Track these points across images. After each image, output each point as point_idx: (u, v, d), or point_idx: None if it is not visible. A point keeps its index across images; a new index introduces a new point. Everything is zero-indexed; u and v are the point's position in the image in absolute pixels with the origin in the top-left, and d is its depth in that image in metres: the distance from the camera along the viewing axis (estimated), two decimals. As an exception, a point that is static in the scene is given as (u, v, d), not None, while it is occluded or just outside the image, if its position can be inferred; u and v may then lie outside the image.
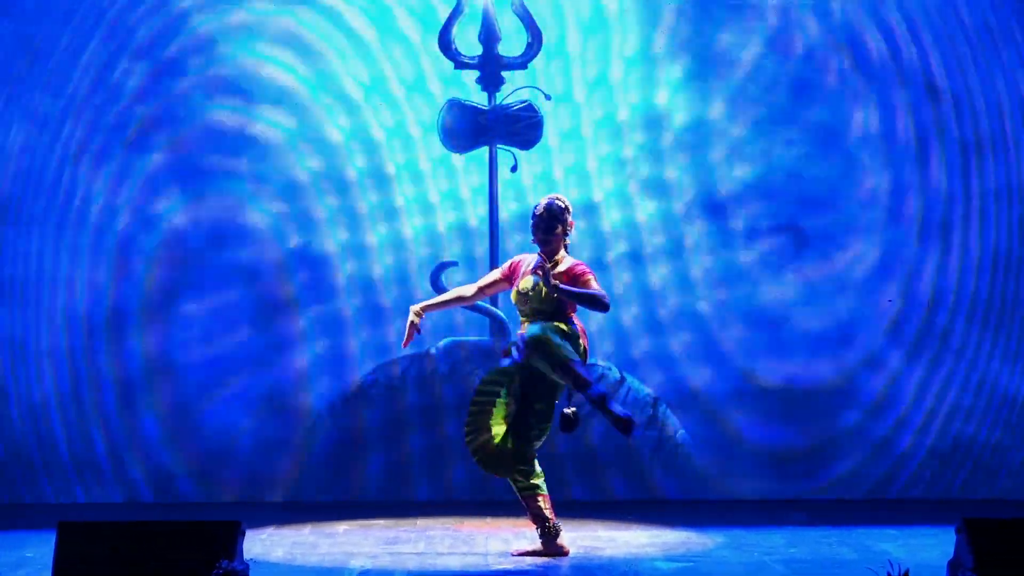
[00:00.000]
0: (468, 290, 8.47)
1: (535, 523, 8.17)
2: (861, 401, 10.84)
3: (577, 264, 8.17)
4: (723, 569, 7.85)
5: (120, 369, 10.71)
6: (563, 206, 8.22)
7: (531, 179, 10.82)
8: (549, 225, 8.19)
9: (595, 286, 8.08)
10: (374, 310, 10.80)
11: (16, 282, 10.68)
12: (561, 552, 8.15)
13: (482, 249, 10.72)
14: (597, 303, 8.06)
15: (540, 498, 8.15)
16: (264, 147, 10.74)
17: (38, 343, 10.70)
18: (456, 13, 10.72)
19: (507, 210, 10.75)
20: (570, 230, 8.26)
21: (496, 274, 8.42)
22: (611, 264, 10.82)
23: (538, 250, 8.21)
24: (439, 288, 10.50)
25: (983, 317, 10.87)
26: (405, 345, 8.35)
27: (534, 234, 8.22)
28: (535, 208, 8.23)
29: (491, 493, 10.34)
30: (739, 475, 10.81)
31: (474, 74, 10.76)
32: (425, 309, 8.32)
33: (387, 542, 8.77)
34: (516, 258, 8.36)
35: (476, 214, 10.81)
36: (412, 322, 8.24)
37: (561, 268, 8.15)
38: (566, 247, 8.26)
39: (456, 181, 10.86)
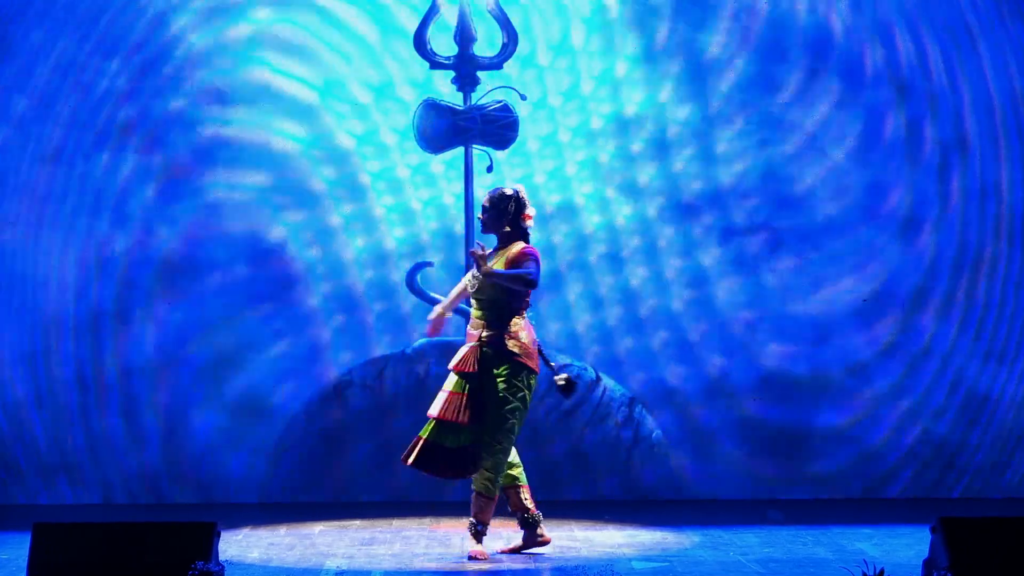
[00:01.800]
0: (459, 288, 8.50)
1: (518, 511, 8.24)
2: (837, 401, 10.86)
3: (521, 249, 8.23)
4: (699, 569, 7.86)
5: (96, 370, 10.68)
6: (507, 195, 8.26)
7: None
8: (491, 215, 8.26)
9: (527, 264, 8.14)
10: (349, 308, 10.78)
11: (-2, 283, 10.67)
12: (543, 541, 8.20)
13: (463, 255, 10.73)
14: (519, 280, 8.11)
15: (521, 488, 8.24)
16: (240, 150, 10.72)
17: (13, 344, 10.66)
18: (431, 13, 10.71)
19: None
20: (524, 222, 8.29)
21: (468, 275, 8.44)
22: (593, 265, 10.83)
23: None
24: (415, 289, 10.51)
25: (959, 316, 10.90)
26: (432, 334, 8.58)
27: (481, 224, 8.34)
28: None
29: (468, 494, 10.34)
30: (715, 475, 10.83)
31: (449, 74, 10.75)
32: (446, 309, 8.42)
33: (363, 543, 8.77)
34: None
35: (461, 220, 10.80)
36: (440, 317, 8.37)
37: (506, 256, 8.22)
38: (525, 237, 8.29)
39: (439, 188, 10.85)
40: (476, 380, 8.11)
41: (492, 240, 8.40)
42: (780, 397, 10.84)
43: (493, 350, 8.14)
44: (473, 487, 8.20)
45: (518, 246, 8.24)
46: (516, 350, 8.14)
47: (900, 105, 10.88)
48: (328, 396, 10.77)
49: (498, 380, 8.11)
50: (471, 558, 8.11)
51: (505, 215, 8.25)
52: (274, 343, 10.74)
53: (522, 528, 8.30)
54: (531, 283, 8.11)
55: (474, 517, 8.18)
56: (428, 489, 10.47)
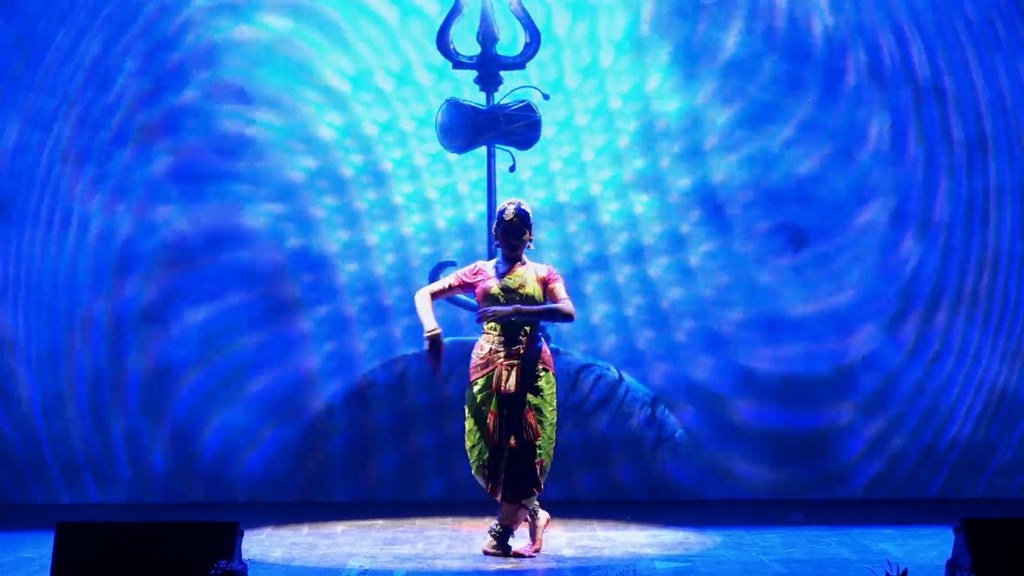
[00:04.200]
0: (432, 289, 8.42)
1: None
2: (860, 401, 10.84)
3: (549, 271, 8.25)
4: (721, 569, 7.85)
5: (118, 369, 10.71)
6: (528, 211, 8.27)
7: (529, 172, 10.83)
8: (520, 230, 8.23)
9: (562, 294, 8.15)
10: (376, 311, 10.79)
11: (21, 283, 10.67)
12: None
13: (481, 246, 10.71)
14: (556, 316, 8.18)
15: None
16: (261, 148, 10.73)
17: (36, 343, 10.69)
18: (454, 13, 10.71)
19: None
20: (533, 236, 8.31)
21: (452, 281, 8.38)
22: (611, 257, 10.82)
23: (498, 256, 8.30)
24: (437, 289, 10.52)
25: (982, 316, 10.87)
26: (436, 367, 8.32)
27: (505, 239, 8.22)
28: (501, 213, 8.24)
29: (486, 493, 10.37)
30: (737, 475, 10.81)
31: (472, 73, 10.76)
32: (434, 329, 8.25)
33: (385, 542, 8.77)
34: (473, 266, 8.39)
35: (475, 210, 10.81)
36: (434, 342, 8.19)
37: (535, 274, 8.20)
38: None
39: (454, 177, 10.86)
40: (519, 398, 8.10)
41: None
42: (803, 397, 10.82)
43: (533, 366, 8.15)
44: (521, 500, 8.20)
45: (537, 267, 8.27)
46: (547, 361, 8.21)
47: (923, 105, 10.85)
48: (351, 396, 10.78)
49: (544, 394, 8.15)
50: (518, 555, 8.15)
51: (528, 231, 8.26)
52: (296, 343, 10.75)
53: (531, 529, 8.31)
54: (568, 317, 8.19)
55: (513, 523, 8.23)
56: (450, 489, 10.48)
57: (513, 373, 8.09)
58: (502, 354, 8.12)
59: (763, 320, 10.83)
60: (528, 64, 10.74)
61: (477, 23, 10.71)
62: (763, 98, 10.84)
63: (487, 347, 8.18)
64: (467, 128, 10.69)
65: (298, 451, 10.76)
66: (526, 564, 7.99)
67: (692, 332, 10.85)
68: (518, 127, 10.68)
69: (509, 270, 8.22)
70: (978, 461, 10.85)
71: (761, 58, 10.83)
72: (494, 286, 8.19)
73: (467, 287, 8.31)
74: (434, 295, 8.34)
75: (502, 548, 8.20)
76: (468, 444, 8.21)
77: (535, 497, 8.20)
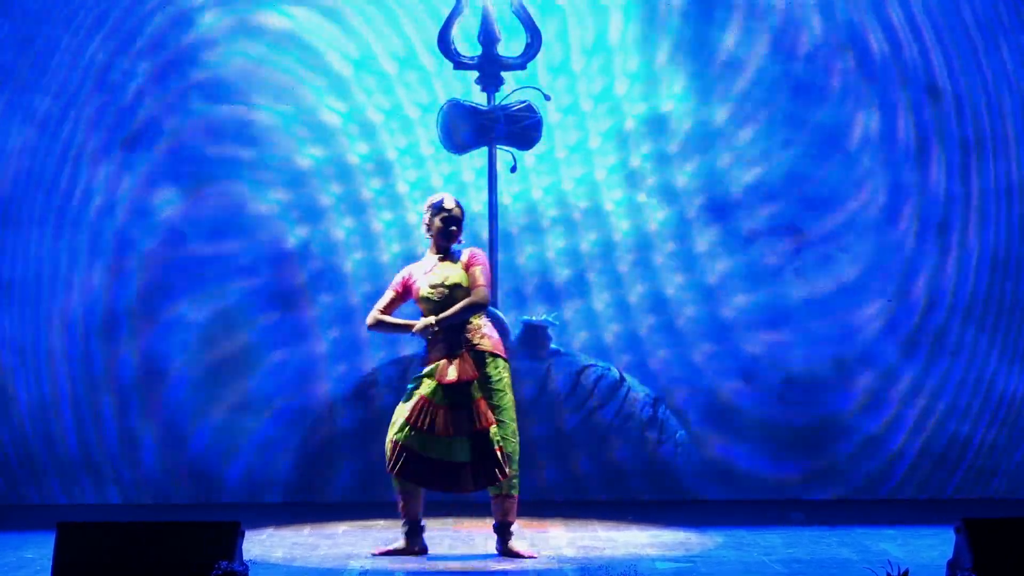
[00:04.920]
0: (375, 316, 8.42)
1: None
2: (860, 401, 10.84)
3: (471, 254, 8.28)
4: (722, 569, 7.85)
5: (120, 370, 10.71)
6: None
7: (540, 192, 10.85)
8: (460, 222, 8.32)
9: (478, 279, 8.17)
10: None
11: (18, 283, 10.67)
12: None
13: (484, 235, 10.71)
14: (472, 310, 8.19)
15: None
16: (264, 142, 10.73)
17: (40, 344, 10.69)
18: (455, 13, 10.71)
19: (513, 216, 10.79)
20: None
21: (391, 294, 8.41)
22: (623, 274, 10.84)
23: (426, 254, 8.35)
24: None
25: (980, 317, 10.87)
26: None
27: (445, 230, 8.26)
28: (441, 204, 8.28)
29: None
30: (738, 475, 10.81)
31: (473, 74, 10.76)
32: (416, 322, 8.30)
33: (387, 543, 8.75)
34: (404, 272, 8.41)
35: (478, 199, 10.81)
36: (428, 329, 8.21)
37: (458, 260, 8.24)
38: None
39: (458, 165, 10.86)
40: (466, 388, 8.11)
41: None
42: (804, 398, 10.82)
43: (478, 355, 8.17)
44: (499, 492, 8.19)
45: (465, 253, 8.30)
46: (496, 347, 8.23)
47: (925, 105, 10.85)
48: (352, 396, 10.78)
49: (493, 380, 8.16)
50: (522, 556, 8.16)
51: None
52: (299, 343, 10.75)
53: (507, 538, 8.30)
54: (481, 307, 8.21)
55: (504, 517, 8.21)
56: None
57: (455, 364, 8.09)
58: (443, 350, 8.15)
59: (762, 320, 10.83)
60: (529, 65, 10.74)
61: (478, 24, 10.71)
62: (758, 94, 10.84)
63: (437, 344, 8.19)
64: (469, 129, 10.68)
65: (300, 451, 10.76)
66: (527, 564, 7.99)
67: (691, 337, 10.84)
68: (520, 127, 10.68)
69: (433, 266, 8.26)
70: (980, 462, 10.85)
71: (761, 57, 10.84)
72: (423, 287, 8.23)
73: (405, 293, 8.33)
74: (383, 312, 8.36)
75: (501, 547, 8.21)
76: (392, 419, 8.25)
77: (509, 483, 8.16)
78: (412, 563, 8.07)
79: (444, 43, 10.71)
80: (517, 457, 8.20)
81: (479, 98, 10.73)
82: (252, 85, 10.74)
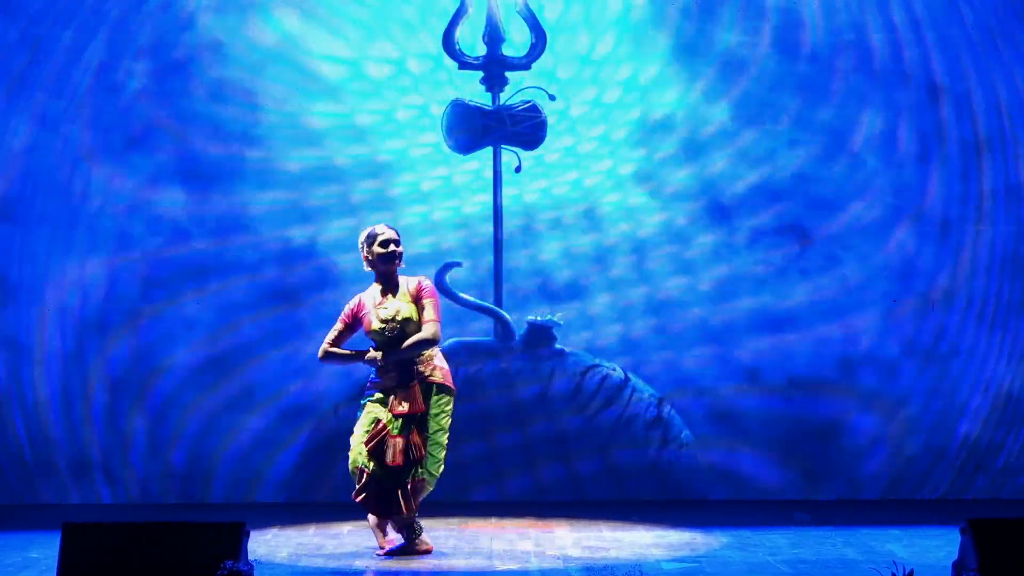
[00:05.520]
0: (325, 349, 8.44)
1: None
2: (866, 402, 10.83)
3: (420, 286, 8.28)
4: (727, 570, 7.85)
5: (125, 370, 10.71)
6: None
7: (536, 194, 10.86)
8: (397, 243, 8.33)
9: (429, 314, 8.20)
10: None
11: (21, 283, 10.68)
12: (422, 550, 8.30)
13: (478, 239, 10.71)
14: (422, 347, 8.20)
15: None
16: (264, 142, 10.73)
17: (42, 344, 10.70)
18: (460, 14, 10.71)
19: (513, 220, 10.80)
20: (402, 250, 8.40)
21: (339, 326, 8.42)
22: (623, 276, 10.84)
23: (371, 284, 8.36)
24: (443, 290, 10.49)
25: (990, 317, 10.86)
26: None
27: (384, 256, 8.26)
28: (378, 234, 8.29)
29: (494, 493, 10.37)
30: (744, 475, 10.81)
31: (478, 74, 10.77)
32: (366, 351, 8.34)
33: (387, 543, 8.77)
34: (353, 303, 8.41)
35: (472, 202, 10.81)
36: (375, 360, 8.25)
37: (407, 291, 8.25)
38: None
39: (459, 167, 10.86)
40: (413, 419, 8.15)
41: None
42: (809, 398, 10.82)
43: (427, 387, 8.22)
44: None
45: (414, 283, 8.31)
46: (444, 379, 8.29)
47: (929, 105, 10.84)
48: (356, 396, 10.77)
49: (432, 413, 8.21)
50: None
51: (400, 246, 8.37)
52: (303, 343, 10.75)
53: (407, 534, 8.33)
54: (432, 343, 8.23)
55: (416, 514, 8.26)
56: (455, 489, 10.47)
57: (407, 395, 8.14)
58: (395, 379, 8.19)
59: (767, 321, 10.83)
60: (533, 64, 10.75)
61: (483, 24, 10.71)
62: (763, 94, 10.84)
63: (389, 372, 8.23)
64: (473, 129, 10.68)
65: (304, 451, 10.77)
66: (533, 564, 7.99)
67: (696, 337, 10.84)
68: (524, 127, 10.68)
69: (382, 299, 8.27)
70: (985, 462, 10.85)
71: (761, 55, 10.83)
72: (373, 321, 8.24)
73: (355, 324, 8.35)
74: (332, 344, 8.39)
75: (405, 548, 8.26)
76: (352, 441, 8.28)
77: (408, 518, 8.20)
78: (417, 563, 8.07)
79: (449, 43, 10.70)
80: (437, 472, 8.24)
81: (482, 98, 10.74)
82: (253, 85, 10.74)
